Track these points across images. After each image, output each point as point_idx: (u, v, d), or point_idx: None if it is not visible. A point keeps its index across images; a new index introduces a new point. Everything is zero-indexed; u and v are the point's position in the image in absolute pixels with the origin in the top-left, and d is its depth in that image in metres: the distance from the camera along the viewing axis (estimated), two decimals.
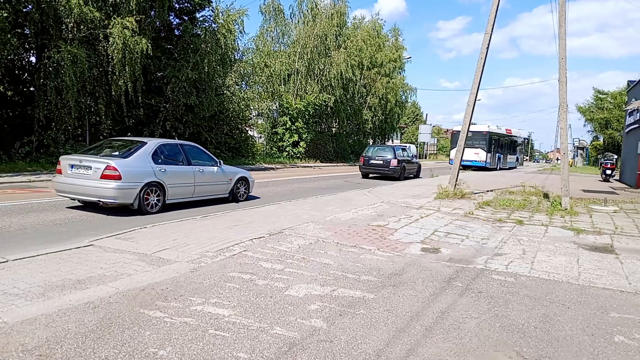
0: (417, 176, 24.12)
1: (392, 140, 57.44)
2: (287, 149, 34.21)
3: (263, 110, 32.04)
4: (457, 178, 13.87)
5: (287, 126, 33.72)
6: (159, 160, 9.46)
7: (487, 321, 4.00)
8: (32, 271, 4.77)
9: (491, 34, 13.21)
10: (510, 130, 42.72)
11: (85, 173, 8.69)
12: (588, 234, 8.24)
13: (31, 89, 20.16)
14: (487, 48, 13.23)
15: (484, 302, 4.51)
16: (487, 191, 15.48)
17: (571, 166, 48.70)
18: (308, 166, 31.79)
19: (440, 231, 8.06)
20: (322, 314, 3.99)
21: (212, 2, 26.61)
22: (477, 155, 35.92)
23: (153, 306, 3.97)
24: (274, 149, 34.96)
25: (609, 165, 24.98)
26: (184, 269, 5.10)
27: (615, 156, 29.64)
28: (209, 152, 11.39)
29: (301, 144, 34.10)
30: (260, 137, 37.39)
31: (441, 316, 4.07)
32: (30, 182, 13.89)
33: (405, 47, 49.93)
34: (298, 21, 38.96)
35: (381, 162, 21.82)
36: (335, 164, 36.84)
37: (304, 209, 10.13)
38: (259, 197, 12.59)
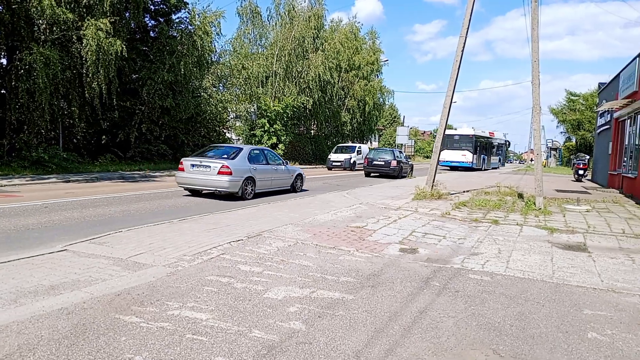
0: (409, 174, 26.80)
1: (371, 143, 57.87)
2: None
3: (241, 113, 31.94)
4: (434, 179, 14.02)
5: (266, 128, 33.62)
6: (252, 161, 12.97)
7: (464, 320, 4.05)
8: (4, 277, 4.64)
9: (466, 37, 13.40)
10: (493, 134, 45.66)
11: (205, 170, 12.16)
12: (562, 233, 8.41)
13: (2, 91, 19.68)
14: (462, 51, 13.42)
15: (461, 301, 4.56)
16: (464, 192, 15.69)
17: (545, 167, 49.75)
18: None
19: (418, 232, 8.14)
20: (301, 316, 3.98)
21: (188, 4, 26.42)
22: (464, 156, 38.50)
23: (129, 311, 3.90)
24: None
25: (581, 166, 25.57)
26: (160, 274, 5.02)
27: (587, 157, 30.38)
28: (279, 155, 15.34)
29: (280, 146, 34.03)
30: (239, 139, 37.19)
31: (419, 316, 4.11)
32: (1, 186, 13.51)
33: (383, 50, 50.40)
34: (275, 23, 38.98)
35: (382, 162, 25.35)
36: (314, 166, 36.84)
37: (283, 211, 10.11)
38: (308, 190, 15.87)
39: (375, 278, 5.23)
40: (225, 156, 12.60)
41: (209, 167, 12.11)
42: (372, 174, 25.73)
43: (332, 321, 3.89)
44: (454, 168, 38.45)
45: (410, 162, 28.78)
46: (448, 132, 39.76)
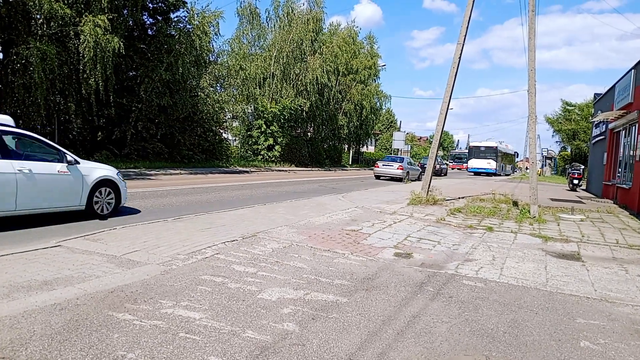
0: (419, 179, 28.96)
1: (367, 147, 58.21)
2: (262, 153, 34.09)
3: (238, 113, 31.89)
4: (429, 185, 14.06)
5: (262, 129, 33.61)
6: (406, 163, 26.49)
7: (457, 326, 4.05)
8: None
9: (463, 45, 13.47)
10: (508, 146, 59.07)
11: (390, 166, 27.14)
12: (556, 241, 8.45)
13: None
14: (459, 58, 13.48)
15: (454, 306, 4.56)
16: (459, 198, 15.73)
17: (540, 175, 49.95)
18: (283, 170, 31.72)
19: (413, 236, 8.15)
20: (295, 317, 3.97)
21: (187, 3, 26.36)
22: (489, 164, 49.16)
23: (122, 308, 3.88)
24: (249, 152, 34.80)
25: (576, 175, 25.68)
26: (154, 272, 5.00)
27: (582, 166, 30.50)
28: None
29: (276, 147, 34.03)
30: (235, 140, 37.15)
31: (413, 320, 4.11)
32: None
33: (380, 55, 50.53)
34: (274, 25, 39.03)
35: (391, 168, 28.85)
36: (310, 169, 36.87)
37: (278, 212, 10.10)
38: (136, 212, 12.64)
39: (369, 281, 5.23)
40: (397, 160, 21.32)
41: (392, 165, 27.37)
42: (381, 177, 28.43)
43: (325, 323, 3.89)
44: (477, 173, 47.23)
45: (418, 168, 31.58)
46: (476, 144, 54.80)
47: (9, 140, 7.20)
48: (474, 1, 13.27)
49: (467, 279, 5.60)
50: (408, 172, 28.02)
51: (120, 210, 9.17)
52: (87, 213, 8.29)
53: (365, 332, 3.76)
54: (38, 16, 17.82)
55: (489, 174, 46.90)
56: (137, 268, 5.10)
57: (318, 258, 6.15)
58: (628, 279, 5.97)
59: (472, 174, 47.18)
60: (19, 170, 6.91)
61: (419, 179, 28.76)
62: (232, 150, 33.79)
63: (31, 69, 16.87)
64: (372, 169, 37.75)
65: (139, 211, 9.78)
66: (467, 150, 55.17)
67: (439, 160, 42.79)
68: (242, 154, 34.65)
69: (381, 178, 28.22)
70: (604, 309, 4.79)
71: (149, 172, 19.89)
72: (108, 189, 8.68)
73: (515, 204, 14.22)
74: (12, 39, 17.86)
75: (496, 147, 51.19)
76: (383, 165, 28.29)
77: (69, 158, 7.85)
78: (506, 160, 56.14)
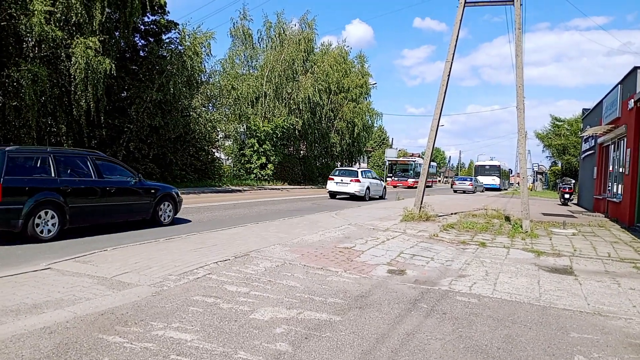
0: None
1: (360, 164, 58.37)
2: (255, 171, 34.08)
3: (230, 132, 31.95)
4: (422, 201, 14.09)
5: (255, 148, 33.66)
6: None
7: (451, 342, 4.03)
8: None
9: (452, 63, 13.65)
10: (506, 164, 64.93)
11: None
12: (548, 256, 8.47)
13: None
14: (448, 76, 13.66)
15: (448, 323, 4.54)
16: (451, 214, 15.76)
17: (531, 190, 50.26)
18: (276, 188, 31.71)
19: (406, 253, 8.13)
20: (288, 337, 3.93)
21: (178, 24, 26.55)
22: (493, 180, 54.68)
23: (112, 331, 3.83)
24: (242, 171, 34.77)
25: (567, 190, 25.86)
26: (145, 293, 4.95)
27: (573, 181, 30.76)
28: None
29: (269, 166, 34.04)
30: (228, 159, 37.14)
31: (407, 338, 4.08)
32: None
33: (371, 74, 51.01)
34: (266, 46, 39.41)
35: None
36: (303, 187, 36.87)
37: (271, 231, 10.06)
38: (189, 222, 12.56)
39: (363, 299, 5.20)
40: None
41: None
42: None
43: (318, 343, 3.85)
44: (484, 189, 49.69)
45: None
46: (481, 162, 61.25)
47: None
48: (461, 20, 13.49)
49: (460, 294, 5.59)
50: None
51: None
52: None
53: (359, 351, 3.73)
54: (29, 38, 17.87)
55: (493, 189, 52.16)
56: (128, 290, 5.04)
57: (311, 276, 6.11)
58: (621, 292, 5.98)
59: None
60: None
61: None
62: (225, 170, 33.76)
63: (22, 91, 16.86)
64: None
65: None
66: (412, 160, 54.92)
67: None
68: (235, 173, 34.62)
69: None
70: (598, 322, 4.78)
71: None
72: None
73: (507, 219, 14.27)
74: (3, 61, 17.87)
75: (499, 165, 58.22)
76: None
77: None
78: (506, 176, 62.93)
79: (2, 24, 17.05)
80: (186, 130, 26.25)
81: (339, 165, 51.20)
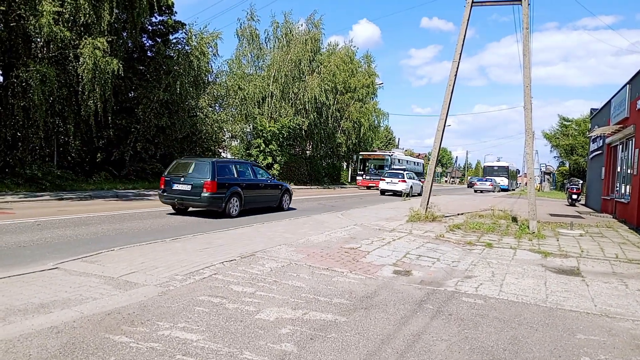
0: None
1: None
2: None
3: (237, 133, 32.03)
4: (428, 201, 14.06)
5: (261, 148, 33.69)
6: (409, 177, 28.05)
7: (457, 344, 4.02)
8: None
9: (459, 63, 13.61)
10: (514, 164, 66.23)
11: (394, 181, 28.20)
12: (555, 257, 8.42)
13: None
14: (455, 75, 13.61)
15: (454, 324, 4.53)
16: (458, 214, 15.71)
17: (539, 191, 50.08)
18: None
19: (412, 254, 8.12)
20: (293, 337, 3.94)
21: (185, 25, 26.68)
22: (502, 181, 54.38)
23: (119, 331, 3.85)
24: None
25: (574, 190, 25.69)
26: (151, 293, 4.97)
27: (581, 181, 30.55)
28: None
29: (275, 166, 34.06)
30: (234, 158, 37.21)
31: (412, 339, 4.07)
32: None
33: (378, 74, 51.01)
34: (273, 46, 39.44)
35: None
36: (309, 187, 36.88)
37: (277, 231, 10.07)
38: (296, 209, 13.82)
39: (368, 300, 5.20)
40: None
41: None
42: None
43: (324, 343, 3.85)
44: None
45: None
46: (490, 163, 62.82)
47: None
48: (468, 19, 13.44)
49: (466, 296, 5.57)
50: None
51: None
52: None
53: (365, 352, 3.73)
54: (38, 39, 18.02)
55: (502, 190, 52.07)
56: (135, 290, 5.07)
57: (317, 277, 6.12)
58: (628, 294, 5.94)
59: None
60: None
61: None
62: None
63: (31, 91, 17.00)
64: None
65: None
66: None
67: (411, 175, 43.13)
68: None
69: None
70: (605, 324, 4.75)
71: (147, 193, 19.90)
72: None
73: (514, 219, 14.20)
74: (12, 62, 18.04)
75: (507, 166, 58.95)
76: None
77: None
78: (514, 176, 63.39)
79: (11, 24, 17.19)
80: (193, 130, 26.37)
81: (345, 166, 51.27)
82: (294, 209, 16.50)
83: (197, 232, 9.53)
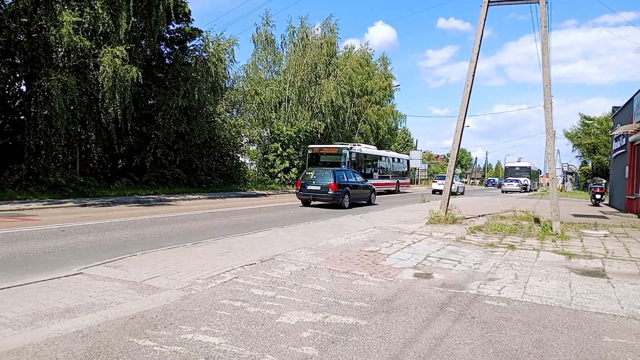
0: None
1: None
2: (279, 175, 34.26)
3: (254, 137, 32.22)
4: (448, 203, 13.93)
5: (279, 152, 33.84)
6: (456, 180, 31.83)
7: (480, 347, 3.97)
8: (20, 300, 4.68)
9: (476, 63, 13.49)
10: (535, 164, 67.07)
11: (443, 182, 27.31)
12: (579, 258, 8.26)
13: (21, 117, 20.14)
14: (473, 76, 13.49)
15: (477, 327, 4.47)
16: (479, 216, 15.54)
17: (561, 191, 49.17)
18: None
19: (433, 256, 8.05)
20: (314, 341, 3.93)
21: (202, 32, 26.99)
22: (524, 182, 53.61)
23: (142, 335, 3.89)
24: (266, 175, 35.00)
25: (598, 190, 25.21)
26: (174, 297, 5.02)
27: (604, 181, 29.97)
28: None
29: (293, 170, 34.16)
30: (252, 163, 37.46)
31: (435, 343, 4.03)
32: (19, 210, 13.72)
33: (394, 76, 50.92)
34: (289, 50, 39.62)
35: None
36: None
37: (295, 235, 10.09)
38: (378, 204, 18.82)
39: (389, 303, 5.17)
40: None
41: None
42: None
43: (345, 347, 3.84)
44: (515, 190, 49.33)
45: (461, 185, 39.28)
46: (511, 164, 62.88)
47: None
48: (485, 19, 13.32)
49: (489, 298, 5.50)
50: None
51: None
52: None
53: (386, 356, 3.70)
54: (59, 49, 18.38)
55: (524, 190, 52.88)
56: (157, 294, 5.13)
57: (337, 280, 6.11)
58: None
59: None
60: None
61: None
62: (250, 174, 34.06)
63: (53, 100, 17.35)
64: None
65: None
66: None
67: (457, 178, 44.00)
68: (259, 178, 34.87)
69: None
70: (632, 326, 4.64)
71: (168, 198, 20.13)
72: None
73: (536, 220, 13.99)
74: (34, 71, 18.44)
75: (529, 166, 59.64)
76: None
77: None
78: (535, 177, 63.65)
79: (33, 35, 17.59)
80: (211, 135, 26.60)
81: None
82: (377, 204, 22.09)
83: (217, 236, 9.59)
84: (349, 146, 29.85)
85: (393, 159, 38.10)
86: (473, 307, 5.13)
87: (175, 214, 14.22)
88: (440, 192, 32.77)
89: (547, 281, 6.43)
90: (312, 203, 19.83)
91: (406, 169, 40.64)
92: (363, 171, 29.44)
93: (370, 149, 34.28)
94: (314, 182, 19.08)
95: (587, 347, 4.06)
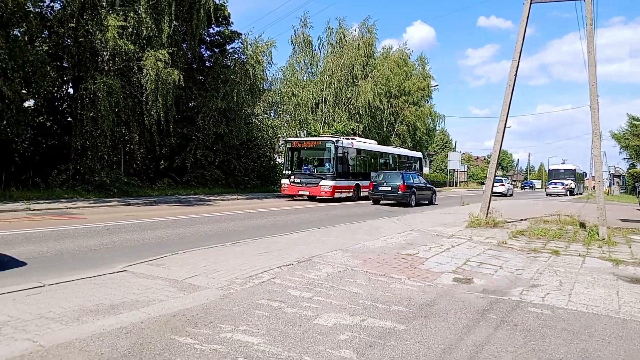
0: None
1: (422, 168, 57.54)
2: None
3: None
4: (488, 206, 13.62)
5: None
6: (506, 182, 40.92)
7: (523, 356, 3.85)
8: (68, 296, 4.86)
9: (518, 62, 13.14)
10: (580, 166, 64.92)
11: (497, 185, 33.29)
12: (628, 265, 7.92)
13: (68, 119, 20.96)
14: (515, 75, 13.15)
15: (519, 335, 4.35)
16: (521, 220, 15.12)
17: (608, 195, 47.26)
18: None
19: (473, 261, 7.89)
20: (352, 344, 3.92)
21: (241, 35, 27.41)
22: (569, 184, 52.79)
23: (183, 332, 3.98)
24: None
25: None
26: (213, 296, 5.11)
27: None
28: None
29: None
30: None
31: (475, 350, 3.95)
32: (66, 208, 14.29)
33: (433, 76, 50.26)
34: (326, 52, 39.71)
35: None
36: None
37: (332, 236, 10.09)
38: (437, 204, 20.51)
39: (428, 308, 5.10)
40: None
41: None
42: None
43: (383, 351, 3.80)
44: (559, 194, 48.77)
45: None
46: (556, 166, 62.06)
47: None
48: (528, 17, 12.97)
49: (532, 305, 5.34)
50: (508, 189, 38.85)
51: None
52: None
53: None
54: (104, 53, 19.06)
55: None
56: (198, 292, 5.23)
57: (374, 283, 6.07)
58: None
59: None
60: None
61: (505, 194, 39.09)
62: None
63: (98, 102, 17.99)
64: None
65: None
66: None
67: (507, 180, 48.01)
68: None
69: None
70: None
71: (207, 198, 20.54)
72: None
73: (582, 225, 13.50)
74: (81, 75, 19.19)
75: (574, 169, 57.91)
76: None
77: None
78: (580, 179, 61.84)
79: (80, 39, 18.30)
80: (249, 137, 26.99)
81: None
82: (437, 204, 23.79)
83: (255, 236, 9.70)
84: (334, 139, 23.91)
85: (400, 156, 32.24)
86: (515, 314, 4.99)
87: (214, 214, 14.48)
88: (501, 194, 36.70)
89: (594, 288, 6.19)
90: (382, 202, 22.66)
91: (418, 167, 34.58)
92: (356, 170, 25.61)
93: (367, 144, 28.81)
94: (384, 183, 21.83)
95: (636, 358, 3.88)
